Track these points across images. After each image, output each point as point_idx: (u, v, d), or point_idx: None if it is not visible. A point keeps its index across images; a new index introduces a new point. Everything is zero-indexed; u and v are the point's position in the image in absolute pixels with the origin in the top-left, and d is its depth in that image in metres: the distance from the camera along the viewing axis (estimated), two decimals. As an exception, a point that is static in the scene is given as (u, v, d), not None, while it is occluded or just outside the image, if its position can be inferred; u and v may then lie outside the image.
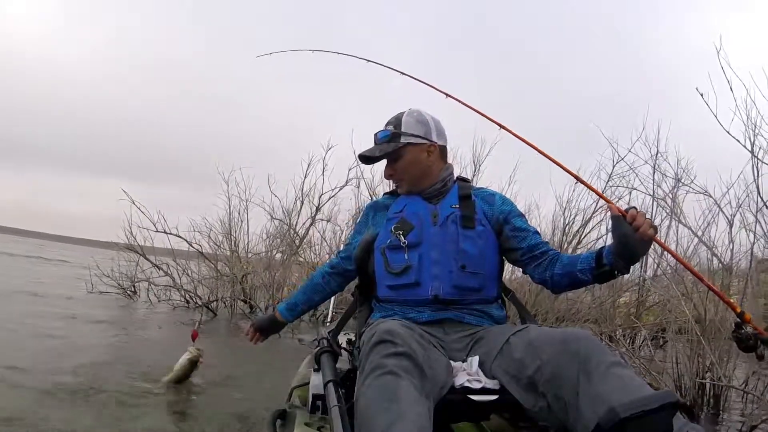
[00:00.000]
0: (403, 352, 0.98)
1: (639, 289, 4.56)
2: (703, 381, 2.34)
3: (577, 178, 1.47)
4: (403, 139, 1.40)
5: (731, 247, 2.70)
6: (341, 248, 1.60)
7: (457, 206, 1.37)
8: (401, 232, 1.35)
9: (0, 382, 2.23)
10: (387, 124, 1.45)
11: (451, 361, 1.17)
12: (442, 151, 1.46)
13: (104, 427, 1.87)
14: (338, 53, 2.19)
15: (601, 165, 4.60)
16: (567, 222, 4.97)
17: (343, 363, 1.33)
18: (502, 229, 1.38)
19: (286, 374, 1.76)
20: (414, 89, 1.83)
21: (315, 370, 1.28)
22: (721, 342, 2.40)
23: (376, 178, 6.11)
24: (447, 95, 1.72)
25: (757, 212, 2.57)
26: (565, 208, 4.97)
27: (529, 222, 1.43)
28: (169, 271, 5.88)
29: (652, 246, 1.19)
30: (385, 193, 1.58)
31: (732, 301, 1.22)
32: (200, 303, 5.62)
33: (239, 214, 6.32)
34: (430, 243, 1.33)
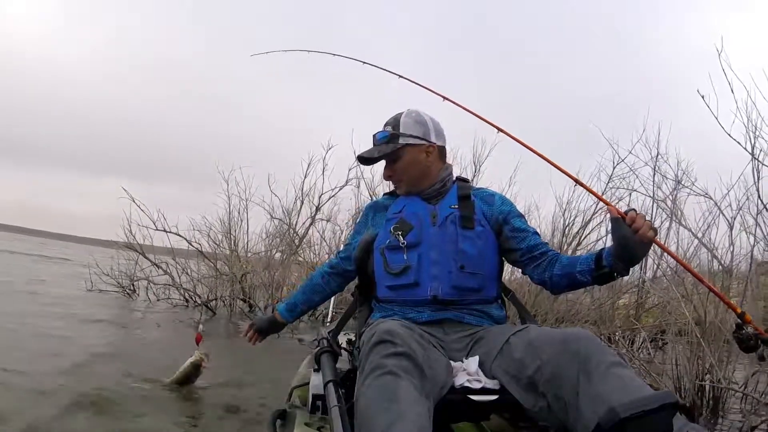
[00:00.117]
0: (402, 353, 0.98)
1: (638, 291, 4.56)
2: (703, 383, 2.34)
3: (576, 181, 1.47)
4: (401, 140, 1.40)
5: (731, 249, 2.70)
6: (341, 249, 1.59)
7: (457, 206, 1.38)
8: (400, 233, 1.35)
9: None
10: (385, 125, 1.45)
11: (451, 361, 1.17)
12: (441, 151, 1.46)
13: (103, 427, 1.87)
14: (334, 54, 2.19)
15: (601, 166, 4.60)
16: (567, 223, 4.97)
17: (343, 363, 1.33)
18: (502, 230, 1.38)
19: (286, 374, 1.76)
20: (412, 90, 1.83)
21: (315, 370, 1.28)
22: (721, 344, 2.40)
23: (376, 178, 6.11)
24: (444, 98, 1.71)
25: (757, 215, 2.57)
26: (565, 210, 4.97)
27: (528, 223, 1.43)
28: (168, 270, 5.88)
29: (651, 247, 1.19)
30: (384, 194, 1.58)
31: (732, 302, 1.23)
32: (199, 302, 5.63)
33: (239, 213, 6.34)
34: (429, 243, 1.33)
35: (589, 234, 4.91)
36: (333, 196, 6.52)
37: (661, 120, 3.94)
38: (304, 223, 6.60)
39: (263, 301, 5.67)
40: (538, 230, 1.42)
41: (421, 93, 1.76)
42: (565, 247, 4.84)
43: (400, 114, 1.44)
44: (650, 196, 3.83)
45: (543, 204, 5.22)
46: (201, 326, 2.63)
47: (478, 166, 5.64)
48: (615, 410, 0.76)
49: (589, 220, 4.87)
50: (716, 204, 2.87)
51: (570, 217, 4.95)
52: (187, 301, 5.84)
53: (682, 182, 3.42)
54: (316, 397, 1.22)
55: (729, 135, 2.35)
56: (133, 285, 6.27)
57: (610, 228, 1.14)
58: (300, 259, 6.54)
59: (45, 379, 2.33)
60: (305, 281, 1.65)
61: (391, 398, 0.90)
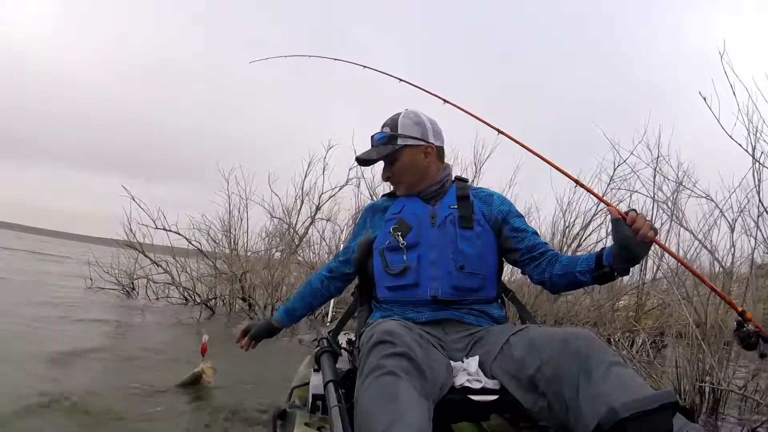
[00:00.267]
0: (402, 353, 0.98)
1: (638, 293, 4.57)
2: (703, 384, 2.34)
3: (577, 182, 1.47)
4: (400, 141, 1.40)
5: (732, 251, 2.70)
6: (339, 252, 1.57)
7: (456, 207, 1.37)
8: (400, 233, 1.35)
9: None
10: (383, 126, 1.44)
11: (451, 361, 1.17)
12: (440, 151, 1.45)
13: (101, 427, 1.86)
14: (335, 59, 2.19)
15: (602, 167, 4.61)
16: (567, 225, 4.98)
17: (343, 363, 1.33)
18: (501, 230, 1.38)
19: (286, 374, 1.76)
20: (413, 92, 1.84)
21: (315, 370, 1.28)
22: (721, 346, 2.40)
23: (377, 178, 6.12)
24: (444, 101, 1.71)
25: (758, 217, 2.57)
26: (565, 211, 4.98)
27: (528, 223, 1.43)
28: (168, 269, 5.89)
29: (652, 248, 1.19)
30: (383, 195, 1.58)
31: (733, 301, 1.23)
32: (199, 301, 5.63)
33: (239, 212, 6.34)
34: (429, 244, 1.33)
35: (589, 235, 4.92)
36: (333, 195, 6.54)
37: (662, 122, 3.95)
38: (304, 223, 6.61)
39: (263, 300, 5.67)
40: (537, 231, 1.42)
41: (421, 95, 1.76)
42: (566, 248, 4.84)
43: (398, 115, 1.44)
44: (651, 198, 3.84)
45: (543, 205, 5.24)
46: (206, 336, 2.55)
47: (478, 167, 5.65)
48: (615, 410, 0.75)
49: (590, 222, 4.88)
50: (717, 206, 2.87)
51: (570, 218, 4.96)
52: (186, 299, 5.85)
53: (683, 184, 3.42)
54: (316, 397, 1.22)
55: (730, 137, 2.35)
56: (132, 283, 6.28)
57: (610, 228, 1.14)
58: (300, 258, 6.55)
59: (41, 378, 2.33)
60: (303, 286, 1.61)
61: (390, 398, 0.89)
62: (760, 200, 2.54)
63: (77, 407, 2.01)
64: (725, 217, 2.80)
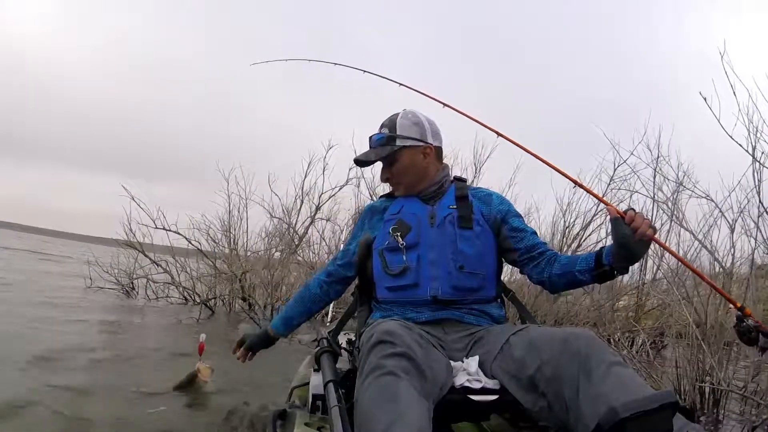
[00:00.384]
0: (402, 353, 0.98)
1: (638, 293, 4.57)
2: (703, 384, 2.34)
3: (576, 183, 1.48)
4: (398, 142, 1.39)
5: (732, 251, 2.70)
6: (338, 255, 1.55)
7: (455, 207, 1.37)
8: (399, 234, 1.35)
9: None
10: (381, 127, 1.44)
11: (451, 361, 1.17)
12: (438, 152, 1.45)
13: (99, 427, 1.86)
14: (336, 64, 2.20)
15: (602, 167, 4.61)
16: (567, 225, 4.98)
17: (343, 363, 1.33)
18: (500, 229, 1.38)
19: (286, 374, 1.76)
20: (413, 95, 1.85)
21: (315, 370, 1.28)
22: (721, 346, 2.40)
23: (377, 178, 6.10)
24: (444, 105, 1.72)
25: (758, 217, 2.57)
26: (565, 211, 4.98)
27: (527, 223, 1.43)
28: (167, 269, 5.88)
29: (652, 248, 1.20)
30: (381, 196, 1.57)
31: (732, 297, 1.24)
32: (198, 301, 5.63)
33: (239, 212, 6.34)
34: (428, 244, 1.33)
35: (589, 236, 4.92)
36: (333, 195, 6.54)
37: (663, 122, 3.96)
38: (303, 223, 6.61)
39: (262, 300, 5.66)
40: (537, 231, 1.42)
41: (421, 97, 1.77)
42: (565, 248, 4.85)
43: (396, 115, 1.43)
44: (651, 198, 3.84)
45: (543, 205, 5.24)
46: (203, 335, 2.53)
47: (478, 168, 5.65)
48: (615, 410, 0.75)
49: (590, 222, 4.88)
50: (717, 206, 2.87)
51: (570, 218, 4.96)
52: (186, 299, 5.85)
53: (683, 184, 3.43)
54: (316, 397, 1.22)
55: (731, 137, 2.35)
56: (132, 283, 6.28)
57: (609, 227, 1.15)
58: (299, 258, 6.55)
59: (40, 378, 2.32)
60: (300, 292, 1.56)
61: (390, 398, 0.89)
62: (760, 200, 2.54)
63: (76, 408, 2.01)
64: (725, 217, 2.80)
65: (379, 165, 1.46)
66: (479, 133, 5.54)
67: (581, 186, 1.48)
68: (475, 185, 1.68)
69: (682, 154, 3.63)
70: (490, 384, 1.10)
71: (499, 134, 1.58)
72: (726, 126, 2.35)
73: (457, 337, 1.26)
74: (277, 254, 6.36)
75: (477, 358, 1.18)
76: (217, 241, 6.18)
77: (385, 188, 1.53)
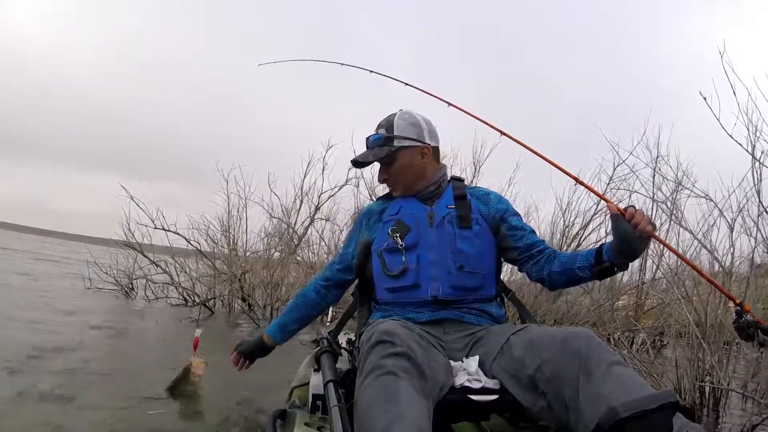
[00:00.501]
0: (401, 353, 0.98)
1: (637, 292, 4.57)
2: (703, 384, 2.34)
3: (577, 180, 1.48)
4: (396, 143, 1.39)
5: (732, 251, 2.70)
6: (335, 260, 1.54)
7: (453, 206, 1.37)
8: (398, 235, 1.34)
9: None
10: (378, 128, 1.44)
11: (451, 361, 1.17)
12: (436, 152, 1.45)
13: (98, 427, 1.86)
14: (342, 64, 2.22)
15: (601, 167, 4.61)
16: (566, 224, 4.98)
17: (343, 363, 1.33)
18: (499, 228, 1.38)
19: (286, 374, 1.75)
20: (414, 92, 1.85)
21: (315, 370, 1.28)
22: (721, 345, 2.40)
23: (376, 178, 6.08)
24: (449, 104, 1.72)
25: (758, 217, 2.57)
26: (565, 210, 4.99)
27: (526, 222, 1.43)
28: (167, 269, 5.88)
29: (651, 248, 1.20)
30: (378, 198, 1.56)
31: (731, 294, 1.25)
32: (198, 301, 5.62)
33: (238, 212, 6.32)
34: (428, 244, 1.33)
35: (588, 235, 4.93)
36: (332, 195, 6.54)
37: (662, 122, 3.95)
38: (303, 223, 6.60)
39: (262, 300, 5.66)
40: (536, 230, 1.42)
41: (423, 96, 1.77)
42: (565, 247, 4.85)
43: (393, 116, 1.43)
44: (650, 197, 3.84)
45: (542, 205, 5.24)
46: (198, 330, 2.51)
47: (477, 167, 5.66)
48: (615, 410, 0.75)
49: (589, 221, 4.88)
50: (716, 205, 2.87)
51: (570, 218, 4.96)
52: (185, 300, 5.84)
53: (683, 184, 3.43)
54: (316, 397, 1.22)
55: (730, 136, 2.35)
56: (131, 283, 6.27)
57: (610, 224, 1.15)
58: (299, 258, 6.55)
59: (38, 378, 2.32)
60: (296, 297, 1.55)
61: (390, 398, 0.89)
62: (759, 200, 2.54)
63: (74, 409, 2.00)
64: (724, 216, 2.80)
65: (377, 165, 1.46)
66: (478, 132, 5.55)
67: (581, 183, 1.48)
68: (474, 185, 1.68)
69: (681, 154, 3.64)
70: (490, 384, 1.10)
71: (502, 133, 1.59)
72: (726, 125, 2.36)
73: (457, 337, 1.26)
74: (277, 254, 6.36)
75: (477, 357, 1.18)
76: (216, 241, 6.17)
77: (385, 188, 1.52)
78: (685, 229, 3.18)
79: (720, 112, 2.34)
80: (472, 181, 5.52)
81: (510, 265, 1.59)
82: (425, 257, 1.32)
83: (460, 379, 1.11)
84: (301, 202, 6.58)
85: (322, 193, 6.53)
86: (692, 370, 2.40)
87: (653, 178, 3.84)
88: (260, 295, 5.76)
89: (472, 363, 1.15)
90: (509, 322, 1.40)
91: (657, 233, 1.13)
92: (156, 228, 5.75)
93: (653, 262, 4.21)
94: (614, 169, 4.52)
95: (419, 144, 1.40)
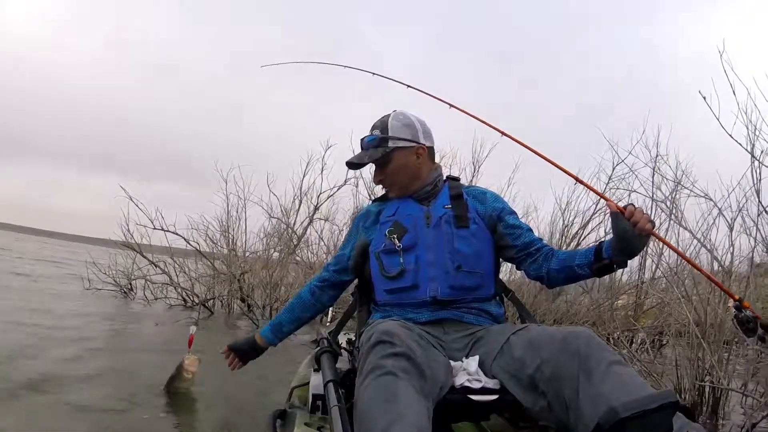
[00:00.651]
0: (401, 353, 0.98)
1: (637, 292, 4.57)
2: (703, 383, 2.34)
3: (577, 179, 1.49)
4: (391, 144, 1.39)
5: (731, 250, 2.70)
6: (331, 261, 1.55)
7: (450, 206, 1.37)
8: (395, 236, 1.35)
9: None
10: (373, 129, 1.44)
11: (451, 361, 1.17)
12: (431, 152, 1.45)
13: (95, 429, 1.85)
14: (345, 66, 2.25)
15: (600, 167, 4.61)
16: (566, 224, 4.98)
17: (343, 363, 1.33)
18: (496, 227, 1.38)
19: (286, 374, 1.75)
20: (414, 93, 1.86)
21: (315, 370, 1.28)
22: (721, 345, 2.40)
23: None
24: (451, 105, 1.74)
25: (758, 216, 2.57)
26: (564, 210, 4.99)
27: (522, 221, 1.43)
28: (166, 269, 5.87)
29: (651, 247, 1.21)
30: (374, 200, 1.57)
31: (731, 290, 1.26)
32: (197, 301, 5.61)
33: (237, 212, 6.31)
34: (425, 245, 1.33)
35: (588, 235, 4.92)
36: (331, 195, 6.54)
37: (661, 122, 3.96)
38: (302, 223, 6.60)
39: (261, 300, 5.65)
40: (535, 229, 1.43)
41: (423, 97, 1.79)
42: (564, 248, 4.85)
43: (387, 116, 1.43)
44: (650, 197, 3.84)
45: (542, 205, 5.25)
46: (193, 327, 2.48)
47: (477, 167, 5.66)
48: (615, 410, 0.75)
49: (588, 221, 4.88)
50: (716, 204, 2.87)
51: (569, 217, 4.96)
52: (184, 300, 5.83)
53: (682, 183, 3.43)
54: (316, 397, 1.22)
55: (730, 135, 2.35)
56: (130, 284, 6.26)
57: (610, 222, 1.16)
58: (298, 258, 6.55)
59: (35, 379, 2.31)
60: (292, 300, 1.55)
61: (389, 398, 0.89)
62: (759, 200, 2.54)
63: (72, 410, 2.00)
64: (724, 216, 2.80)
65: (373, 166, 1.46)
66: (478, 132, 5.55)
67: (581, 182, 1.49)
68: (473, 185, 1.69)
69: (680, 153, 3.64)
70: (490, 384, 1.11)
71: (503, 133, 1.61)
72: (725, 125, 2.36)
73: (457, 337, 1.26)
74: (276, 254, 6.36)
75: (477, 357, 1.18)
76: (215, 241, 6.17)
77: (383, 188, 1.52)
78: (685, 228, 3.18)
79: (720, 112, 2.34)
80: (471, 180, 5.52)
81: (509, 265, 1.59)
82: (423, 258, 1.32)
83: (460, 379, 1.11)
84: (300, 202, 6.59)
85: (321, 193, 6.54)
86: (692, 370, 2.40)
87: (652, 177, 3.85)
88: (259, 295, 5.76)
89: (472, 363, 1.16)
90: (509, 321, 1.40)
91: (656, 231, 1.14)
92: (155, 228, 5.74)
93: (652, 261, 4.22)
94: (613, 169, 4.52)
95: (414, 144, 1.40)
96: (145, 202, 5.70)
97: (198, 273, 6.00)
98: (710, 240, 2.94)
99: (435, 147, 1.48)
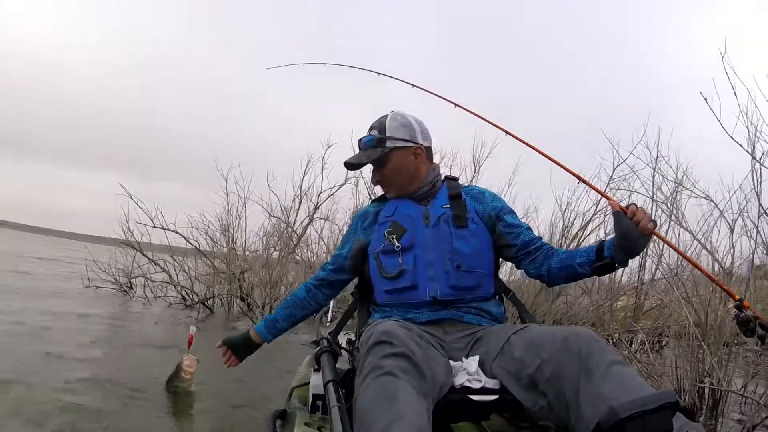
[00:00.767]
0: (400, 353, 0.98)
1: (636, 293, 4.57)
2: (703, 385, 2.34)
3: (579, 178, 1.49)
4: (388, 144, 1.39)
5: (732, 252, 2.70)
6: (328, 261, 1.54)
7: (449, 206, 1.38)
8: (394, 236, 1.35)
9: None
10: (370, 129, 1.44)
11: (451, 361, 1.17)
12: (428, 152, 1.46)
13: (93, 429, 1.85)
14: (351, 66, 2.25)
15: (601, 167, 4.60)
16: (566, 224, 4.97)
17: (343, 363, 1.33)
18: (495, 226, 1.38)
19: (286, 374, 1.75)
20: (415, 92, 1.87)
21: (315, 370, 1.28)
22: (721, 346, 2.40)
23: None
24: (456, 105, 1.75)
25: (758, 218, 2.57)
26: (564, 210, 4.98)
27: (521, 220, 1.44)
28: (166, 268, 5.87)
29: (651, 248, 1.21)
30: (373, 200, 1.56)
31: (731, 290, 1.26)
32: (197, 300, 5.61)
33: (237, 211, 6.30)
34: (424, 245, 1.33)
35: (588, 235, 4.91)
36: (332, 194, 6.52)
37: (662, 123, 3.95)
38: (302, 222, 6.59)
39: (261, 299, 5.65)
40: (535, 229, 1.43)
41: (424, 96, 1.79)
42: (564, 247, 4.84)
43: (385, 117, 1.43)
44: (650, 198, 3.84)
45: (542, 206, 5.24)
46: (193, 327, 2.47)
47: (477, 167, 5.64)
48: (615, 410, 0.76)
49: (589, 222, 4.87)
50: (716, 206, 2.87)
51: (569, 218, 4.95)
52: (184, 299, 5.83)
53: (683, 184, 3.43)
54: (316, 397, 1.22)
55: (731, 137, 2.35)
56: (130, 282, 6.26)
57: (612, 221, 1.17)
58: (298, 257, 6.54)
59: (34, 379, 2.31)
60: (287, 297, 1.55)
61: (389, 398, 0.89)
62: (759, 202, 2.54)
63: (70, 410, 1.99)
64: (725, 217, 2.80)
65: (371, 166, 1.46)
66: (479, 132, 5.53)
67: (584, 181, 1.49)
68: (474, 185, 1.69)
69: (681, 154, 3.64)
70: (490, 384, 1.11)
71: (507, 132, 1.61)
72: (726, 126, 2.35)
73: (457, 337, 1.26)
74: (276, 253, 6.35)
75: (477, 357, 1.18)
76: (215, 240, 6.16)
77: (383, 187, 1.52)
78: (686, 229, 3.18)
79: (720, 113, 2.34)
80: (472, 180, 5.51)
81: (509, 265, 1.60)
82: (422, 258, 1.32)
83: (460, 379, 1.11)
84: (300, 201, 6.57)
85: (321, 193, 6.52)
86: (692, 371, 2.40)
87: (653, 177, 3.84)
88: (259, 294, 5.75)
89: (472, 363, 1.16)
90: (509, 321, 1.40)
91: (657, 227, 1.15)
92: (155, 227, 5.74)
93: (652, 262, 4.21)
94: (614, 169, 4.52)
95: (412, 144, 1.40)
96: (145, 200, 5.70)
97: (198, 272, 6.00)
98: (711, 241, 2.94)
99: (434, 147, 1.48)
